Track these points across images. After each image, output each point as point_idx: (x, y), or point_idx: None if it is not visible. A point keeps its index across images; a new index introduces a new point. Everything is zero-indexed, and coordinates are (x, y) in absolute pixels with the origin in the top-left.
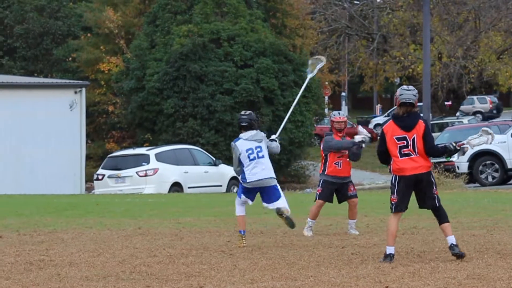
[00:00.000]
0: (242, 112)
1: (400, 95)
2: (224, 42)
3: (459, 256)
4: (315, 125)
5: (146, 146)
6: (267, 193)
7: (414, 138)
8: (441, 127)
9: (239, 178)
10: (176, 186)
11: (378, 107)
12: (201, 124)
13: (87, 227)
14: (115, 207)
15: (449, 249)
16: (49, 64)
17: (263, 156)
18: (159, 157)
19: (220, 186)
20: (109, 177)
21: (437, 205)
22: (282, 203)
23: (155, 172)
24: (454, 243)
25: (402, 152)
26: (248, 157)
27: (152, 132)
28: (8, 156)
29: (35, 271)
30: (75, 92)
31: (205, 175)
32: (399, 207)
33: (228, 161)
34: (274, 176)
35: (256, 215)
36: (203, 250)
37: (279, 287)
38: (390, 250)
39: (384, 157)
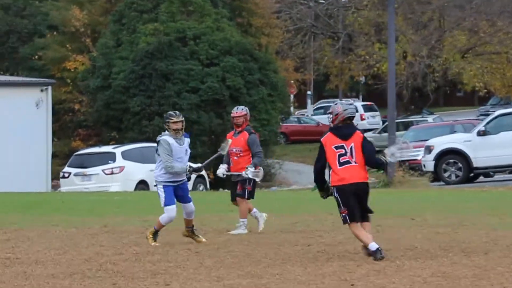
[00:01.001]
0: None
1: (345, 110)
2: (190, 40)
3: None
4: (280, 124)
5: (112, 144)
6: None
7: (352, 146)
8: (406, 126)
9: None
10: (142, 184)
11: None
12: None
13: (53, 225)
14: (81, 205)
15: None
16: (15, 62)
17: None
18: (125, 155)
19: None
20: (75, 175)
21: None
22: None
23: (121, 170)
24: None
25: (341, 161)
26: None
27: (118, 130)
28: None
29: (1, 269)
30: (41, 90)
31: None
32: (352, 217)
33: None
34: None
35: (222, 212)
36: (169, 248)
37: (245, 284)
38: (373, 246)
39: (322, 174)
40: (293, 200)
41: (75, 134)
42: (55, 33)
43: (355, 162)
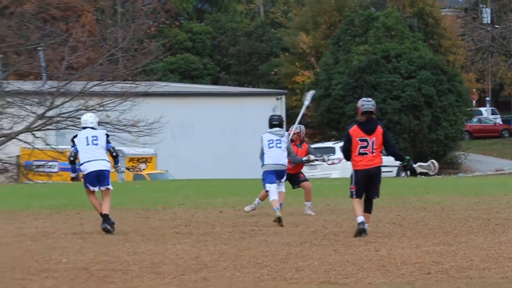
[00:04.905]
0: (273, 114)
1: (362, 105)
2: (393, 58)
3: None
4: (465, 123)
5: (332, 141)
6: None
7: (373, 140)
8: None
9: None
10: None
11: None
12: None
13: (287, 204)
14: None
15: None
16: (256, 77)
17: (280, 147)
18: None
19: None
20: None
21: (377, 197)
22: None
23: (340, 161)
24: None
25: (361, 151)
26: (268, 145)
27: (337, 129)
28: (226, 149)
29: (247, 238)
30: (277, 99)
31: None
32: (357, 194)
33: None
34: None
35: (419, 194)
36: (378, 222)
37: (438, 250)
38: (359, 219)
39: (348, 154)
40: (476, 184)
41: None
42: (287, 54)
43: (373, 153)
